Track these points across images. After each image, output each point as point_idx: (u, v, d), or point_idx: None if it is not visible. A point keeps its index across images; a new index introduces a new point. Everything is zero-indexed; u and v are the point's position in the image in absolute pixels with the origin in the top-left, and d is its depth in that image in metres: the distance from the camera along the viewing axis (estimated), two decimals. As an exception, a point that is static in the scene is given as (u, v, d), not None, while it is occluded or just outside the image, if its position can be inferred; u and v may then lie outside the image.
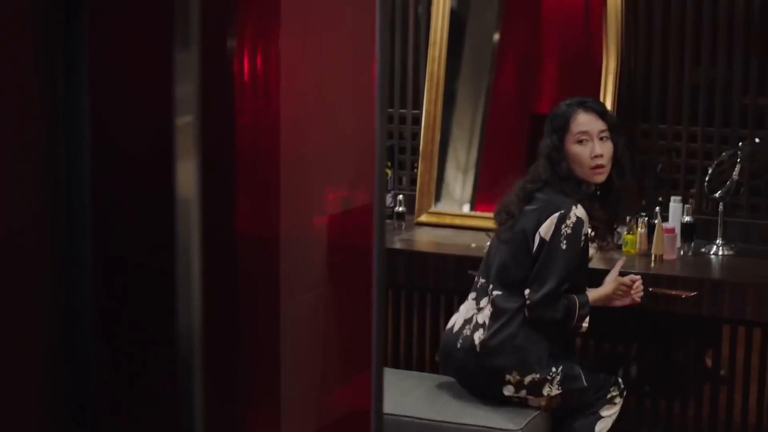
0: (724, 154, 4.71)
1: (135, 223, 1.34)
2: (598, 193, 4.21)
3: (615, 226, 4.35)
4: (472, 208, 5.21)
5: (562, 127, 4.12)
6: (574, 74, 5.06)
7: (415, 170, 5.29)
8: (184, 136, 1.31)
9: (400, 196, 5.15)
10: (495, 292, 4.09)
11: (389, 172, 5.28)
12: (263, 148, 1.46)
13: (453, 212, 5.20)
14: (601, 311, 4.15)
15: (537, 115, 5.18)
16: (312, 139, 1.56)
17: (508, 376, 4.04)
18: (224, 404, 1.44)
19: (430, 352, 4.83)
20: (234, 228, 1.43)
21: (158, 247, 1.34)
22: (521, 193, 4.11)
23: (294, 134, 1.50)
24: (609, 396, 4.12)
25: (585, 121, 4.12)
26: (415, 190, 5.24)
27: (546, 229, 4.00)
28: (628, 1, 4.87)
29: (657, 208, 4.68)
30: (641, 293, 4.19)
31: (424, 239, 5.02)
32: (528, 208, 4.08)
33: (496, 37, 5.28)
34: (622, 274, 4.20)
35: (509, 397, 4.09)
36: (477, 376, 4.14)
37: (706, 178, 4.69)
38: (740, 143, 4.71)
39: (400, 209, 5.12)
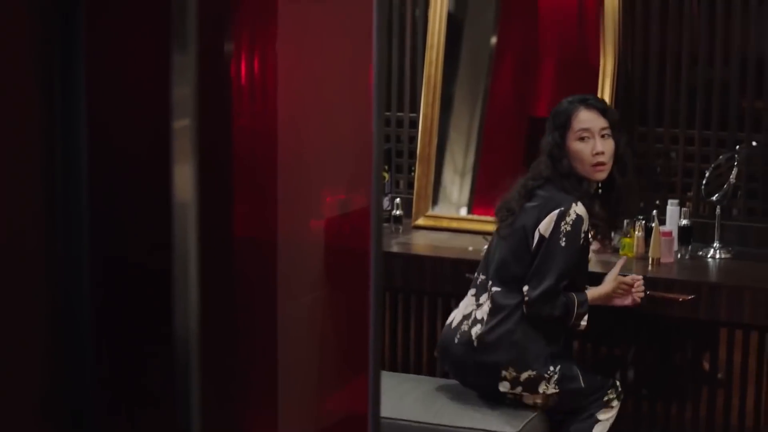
0: (721, 157, 4.71)
1: (132, 226, 1.34)
2: (600, 191, 4.21)
3: (617, 223, 4.36)
4: (470, 212, 5.21)
5: (564, 124, 4.13)
6: (571, 77, 5.06)
7: (413, 173, 5.29)
8: (181, 138, 1.31)
9: (398, 200, 5.15)
10: (494, 289, 4.09)
11: (386, 175, 5.27)
12: (260, 151, 1.46)
13: (450, 215, 5.20)
14: (598, 314, 4.15)
15: (534, 118, 5.19)
16: (309, 142, 1.56)
17: (504, 372, 4.04)
18: (222, 406, 1.44)
19: (427, 355, 4.83)
20: (231, 231, 1.43)
21: (155, 250, 1.34)
22: (522, 190, 4.12)
23: (291, 137, 1.49)
24: (606, 399, 4.12)
25: (586, 119, 4.12)
26: (412, 194, 5.24)
27: (546, 226, 4.00)
28: (625, 4, 4.87)
29: (654, 211, 4.68)
30: (642, 293, 4.19)
31: (422, 242, 5.02)
32: (529, 205, 4.08)
33: (494, 40, 5.28)
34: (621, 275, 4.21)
35: (504, 394, 4.09)
36: (473, 371, 4.14)
37: (704, 182, 4.69)
38: (737, 146, 4.72)
39: (398, 212, 5.12)
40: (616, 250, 4.66)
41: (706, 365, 4.46)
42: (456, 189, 5.27)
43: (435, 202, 5.23)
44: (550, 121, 4.18)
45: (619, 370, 4.55)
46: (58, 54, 1.29)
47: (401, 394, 4.24)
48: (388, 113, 5.36)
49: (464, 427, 4.04)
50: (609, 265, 4.29)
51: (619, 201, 4.21)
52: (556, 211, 3.99)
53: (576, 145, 4.10)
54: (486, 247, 4.31)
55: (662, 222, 4.66)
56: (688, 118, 4.90)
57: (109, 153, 1.33)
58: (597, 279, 4.20)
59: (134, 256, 1.35)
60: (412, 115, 5.36)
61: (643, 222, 4.61)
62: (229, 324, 1.44)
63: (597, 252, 4.46)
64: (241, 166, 1.43)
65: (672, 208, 4.73)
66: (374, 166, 1.59)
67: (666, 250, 4.54)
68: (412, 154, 5.32)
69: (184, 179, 1.32)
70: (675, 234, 4.63)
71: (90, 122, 1.31)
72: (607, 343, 4.60)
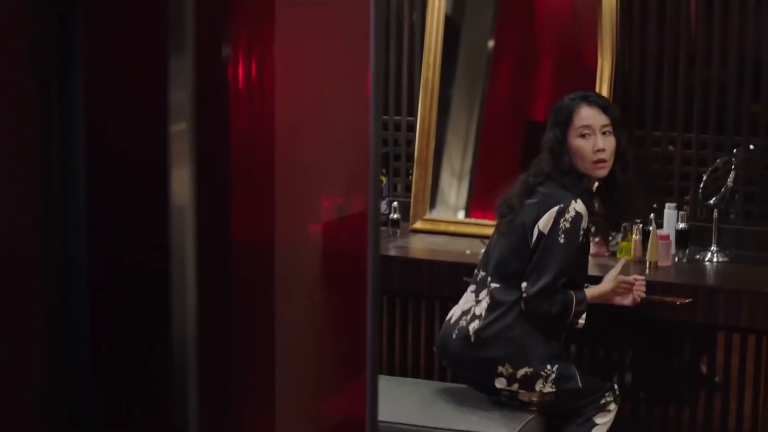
0: (718, 160, 4.71)
1: (130, 229, 1.34)
2: (602, 188, 4.21)
3: (619, 221, 4.35)
4: (467, 215, 5.21)
5: (565, 121, 4.13)
6: (568, 80, 5.06)
7: (410, 177, 5.29)
8: (178, 141, 1.31)
9: (395, 203, 5.15)
10: (493, 285, 4.10)
11: (384, 179, 5.27)
12: (258, 154, 1.46)
13: (448, 219, 5.20)
14: (596, 317, 4.15)
15: (532, 122, 5.19)
16: (307, 146, 1.56)
17: (500, 368, 4.04)
18: (219, 409, 1.44)
19: (425, 359, 4.82)
20: (229, 234, 1.43)
21: (153, 252, 1.33)
22: (523, 187, 4.12)
23: (289, 141, 1.49)
24: (603, 402, 4.12)
25: (588, 115, 4.12)
26: (410, 197, 5.24)
27: (545, 222, 4.00)
28: (622, 7, 4.87)
29: (652, 214, 4.68)
30: (643, 293, 4.19)
31: (419, 246, 5.02)
32: (529, 201, 4.08)
33: (491, 43, 5.28)
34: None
35: (500, 390, 4.09)
36: (470, 366, 4.15)
37: (701, 185, 4.69)
38: (735, 150, 4.72)
39: (395, 216, 5.12)
40: (613, 254, 4.66)
41: (704, 368, 4.46)
42: (454, 192, 5.27)
43: (432, 205, 5.23)
44: (551, 118, 4.18)
45: (617, 373, 4.55)
46: (56, 56, 1.29)
47: (399, 398, 4.24)
48: (385, 117, 5.36)
49: (461, 430, 4.04)
50: (606, 269, 4.29)
51: (621, 198, 4.21)
52: (556, 208, 3.99)
53: (577, 142, 4.10)
54: (482, 251, 4.32)
55: (660, 225, 4.66)
56: (686, 122, 4.90)
57: (106, 156, 1.33)
58: (595, 282, 4.20)
59: (132, 258, 1.35)
60: (409, 118, 5.36)
61: (641, 225, 4.61)
62: (226, 327, 1.44)
63: (594, 255, 4.45)
64: (239, 170, 1.43)
65: (669, 211, 4.73)
66: (372, 169, 1.59)
67: (663, 254, 4.54)
68: (410, 158, 5.32)
69: (181, 182, 1.32)
70: (672, 237, 4.63)
71: (87, 125, 1.31)
72: (605, 347, 4.60)
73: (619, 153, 4.15)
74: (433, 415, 4.12)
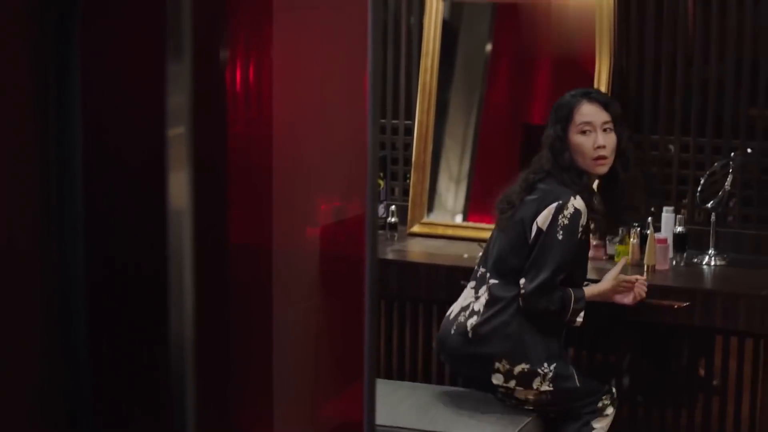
0: (716, 164, 4.72)
1: (128, 232, 1.34)
2: (602, 185, 4.21)
3: (621, 218, 4.35)
4: (465, 219, 5.21)
5: (566, 117, 4.13)
6: (566, 84, 5.06)
7: (408, 181, 5.29)
8: (176, 145, 1.31)
9: (393, 207, 5.15)
10: (492, 281, 4.10)
11: (382, 182, 5.27)
12: (255, 158, 1.46)
13: (445, 223, 5.20)
14: (594, 321, 4.15)
15: (530, 125, 5.19)
16: (304, 150, 1.56)
17: (497, 364, 4.04)
18: (217, 412, 1.44)
19: (422, 363, 4.82)
20: (226, 238, 1.43)
21: (151, 256, 1.33)
22: (524, 183, 4.11)
23: (286, 145, 1.50)
24: (601, 405, 4.12)
25: (588, 112, 4.12)
26: (407, 201, 5.24)
27: (543, 219, 4.00)
28: (620, 12, 4.88)
29: (649, 218, 4.68)
30: (644, 291, 4.19)
31: (417, 250, 5.01)
32: (529, 198, 4.08)
33: (489, 47, 5.28)
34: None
35: (497, 387, 4.08)
36: (468, 362, 4.15)
37: (699, 189, 4.69)
38: (732, 153, 4.72)
39: (393, 220, 5.12)
40: (611, 257, 4.66)
41: (702, 372, 4.46)
42: (451, 196, 5.27)
43: (430, 209, 5.23)
44: (552, 114, 4.18)
45: (615, 376, 4.55)
46: (54, 58, 1.29)
47: (396, 402, 4.24)
48: (383, 120, 5.36)
49: (459, 435, 4.04)
50: (603, 272, 4.29)
51: (621, 196, 4.21)
52: (554, 205, 3.99)
53: (577, 139, 4.10)
54: (483, 247, 4.32)
55: (657, 229, 4.66)
56: (684, 125, 4.90)
57: (104, 159, 1.33)
58: (594, 283, 4.20)
59: (130, 261, 1.35)
60: (407, 122, 5.36)
61: (638, 229, 4.61)
62: (224, 330, 1.44)
63: (592, 259, 4.45)
64: (237, 173, 1.43)
65: (667, 215, 4.73)
66: (369, 173, 1.59)
67: (661, 257, 4.54)
68: (407, 162, 5.32)
69: (179, 186, 1.32)
70: (670, 241, 4.63)
71: (85, 127, 1.31)
72: (603, 350, 4.60)
73: (619, 150, 4.15)
74: (430, 418, 4.12)
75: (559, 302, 4.00)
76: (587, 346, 4.57)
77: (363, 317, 1.60)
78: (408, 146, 5.33)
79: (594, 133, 4.09)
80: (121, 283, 1.35)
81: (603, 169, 4.12)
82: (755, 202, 4.83)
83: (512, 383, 4.05)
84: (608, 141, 4.10)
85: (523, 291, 4.00)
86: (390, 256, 4.84)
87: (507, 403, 4.14)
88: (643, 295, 4.19)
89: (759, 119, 4.79)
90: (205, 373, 1.38)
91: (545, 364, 4.02)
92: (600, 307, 4.18)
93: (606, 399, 4.14)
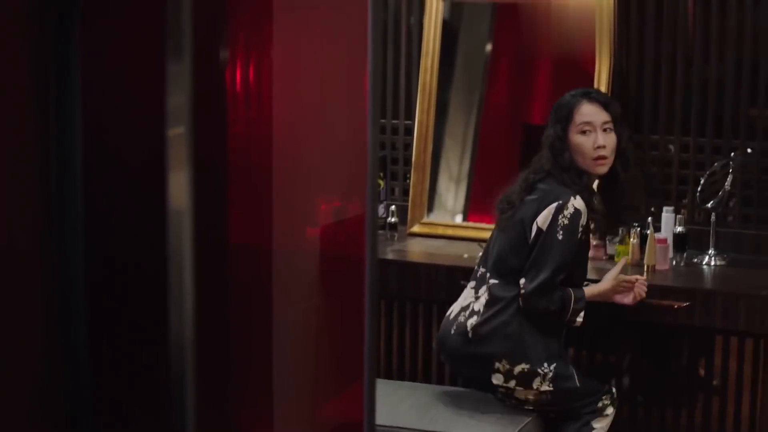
0: (716, 164, 4.72)
1: (128, 232, 1.34)
2: (602, 185, 4.21)
3: (622, 218, 4.35)
4: (465, 219, 5.21)
5: (566, 117, 4.13)
6: (566, 84, 5.06)
7: (408, 181, 5.29)
8: (176, 146, 1.31)
9: (393, 207, 5.15)
10: (492, 281, 4.10)
11: (382, 182, 5.27)
12: (255, 158, 1.46)
13: (445, 223, 5.20)
14: (594, 321, 4.15)
15: (529, 126, 5.19)
16: (304, 150, 1.56)
17: (497, 364, 4.03)
18: (217, 412, 1.44)
19: (422, 363, 4.82)
20: (226, 238, 1.43)
21: (151, 257, 1.33)
22: (523, 184, 4.12)
23: (286, 145, 1.49)
24: (601, 405, 4.12)
25: (588, 112, 4.12)
26: (407, 201, 5.24)
27: (543, 218, 4.00)
28: (620, 12, 4.88)
29: (649, 218, 4.68)
30: (645, 291, 4.18)
31: (417, 250, 5.01)
32: (529, 198, 4.08)
33: (489, 47, 5.28)
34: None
35: (497, 387, 4.08)
36: (467, 362, 4.15)
37: (699, 189, 4.69)
38: (732, 153, 4.72)
39: (393, 220, 5.12)
40: (611, 257, 4.66)
41: (702, 372, 4.46)
42: (451, 196, 5.27)
43: (430, 209, 5.23)
44: (552, 114, 4.18)
45: (615, 377, 4.55)
46: (54, 58, 1.29)
47: (396, 401, 4.24)
48: (383, 120, 5.36)
49: (459, 435, 4.04)
50: (603, 272, 4.29)
51: (622, 196, 4.21)
52: (554, 204, 3.99)
53: (577, 138, 4.10)
54: (483, 248, 4.32)
55: (657, 229, 4.66)
56: (684, 126, 4.90)
57: (104, 159, 1.33)
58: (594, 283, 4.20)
59: (130, 262, 1.35)
60: (407, 122, 5.36)
61: (638, 229, 4.61)
62: (224, 330, 1.44)
63: (592, 259, 4.45)
64: (236, 173, 1.43)
65: (667, 215, 4.73)
66: (369, 173, 1.59)
67: (661, 257, 4.54)
68: (407, 162, 5.32)
69: (179, 186, 1.32)
70: (670, 241, 4.63)
71: (85, 127, 1.31)
72: (603, 350, 4.60)
73: (620, 150, 4.15)
74: (430, 418, 4.12)
75: (559, 302, 4.00)
76: (587, 346, 4.57)
77: (363, 317, 1.60)
78: (408, 146, 5.33)
79: (594, 133, 4.09)
80: (121, 283, 1.35)
81: (603, 169, 4.12)
82: (755, 202, 4.83)
83: (512, 383, 4.04)
84: (608, 141, 4.10)
85: (523, 291, 4.00)
86: (390, 256, 4.84)
87: (507, 403, 4.14)
88: (643, 295, 4.19)
89: (759, 119, 4.79)
90: (205, 373, 1.38)
91: (545, 364, 4.02)
92: (600, 308, 4.18)
93: (606, 399, 4.14)
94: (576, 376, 4.07)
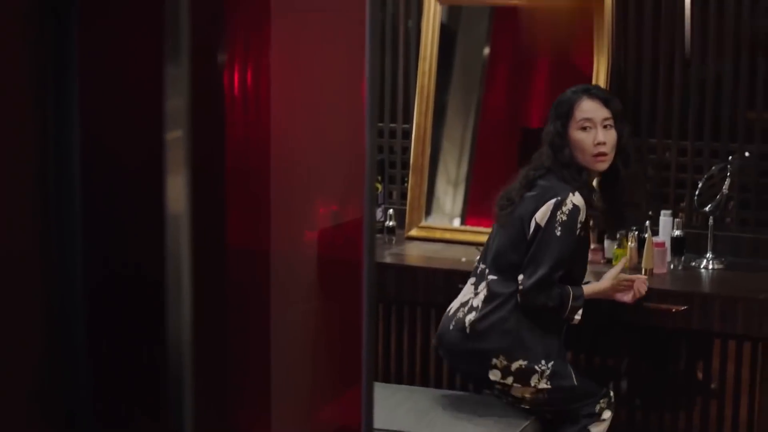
0: (714, 168, 4.72)
1: (126, 236, 1.34)
2: (603, 182, 4.20)
3: (624, 215, 4.34)
4: (463, 222, 5.21)
5: (566, 113, 4.13)
6: (564, 88, 5.06)
7: (406, 184, 5.29)
8: (174, 149, 1.31)
9: (391, 211, 5.15)
10: (490, 277, 4.10)
11: (379, 186, 5.28)
12: (253, 162, 1.46)
13: (443, 226, 5.20)
14: (592, 325, 4.15)
15: (527, 129, 5.19)
16: (302, 153, 1.56)
17: (494, 360, 4.03)
18: (215, 416, 1.44)
19: (420, 366, 4.82)
20: (224, 241, 1.43)
21: (149, 260, 1.33)
22: (524, 180, 4.12)
23: (284, 148, 1.49)
24: (598, 408, 4.12)
25: (589, 108, 4.12)
26: (405, 205, 5.23)
27: (542, 215, 4.00)
28: (618, 15, 4.88)
29: (647, 222, 4.68)
30: (644, 288, 4.18)
31: (415, 253, 5.02)
32: (528, 194, 4.08)
33: (487, 50, 5.28)
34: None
35: (494, 383, 4.07)
36: (466, 358, 4.14)
37: (696, 192, 4.69)
38: (730, 157, 4.72)
39: (391, 223, 5.12)
40: (609, 261, 4.66)
41: (700, 375, 4.46)
42: (449, 200, 5.27)
43: (428, 212, 5.23)
44: (552, 111, 4.18)
45: (613, 380, 4.55)
46: (53, 63, 1.29)
47: (394, 405, 4.24)
48: (381, 124, 5.36)
49: (457, 438, 4.04)
50: (600, 276, 4.29)
51: (623, 192, 4.21)
52: (553, 201, 3.99)
53: (577, 135, 4.10)
54: (480, 251, 4.32)
55: (655, 233, 4.66)
56: (681, 129, 4.91)
57: (102, 162, 1.33)
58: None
59: (128, 265, 1.35)
60: (405, 125, 5.36)
61: (636, 233, 4.61)
62: (222, 333, 1.44)
63: (589, 263, 4.45)
64: (235, 177, 1.43)
65: (665, 218, 4.73)
66: (367, 176, 1.59)
67: (659, 261, 4.54)
68: (405, 165, 5.32)
69: (177, 189, 1.32)
70: (668, 245, 4.63)
71: (83, 131, 1.31)
72: (601, 353, 4.60)
73: (620, 147, 4.15)
74: (428, 422, 4.12)
75: (557, 299, 3.99)
76: (585, 349, 4.57)
77: (361, 320, 1.60)
78: (406, 150, 5.33)
79: (594, 130, 4.09)
80: (119, 285, 1.35)
81: (603, 166, 4.12)
82: (753, 205, 4.83)
83: (509, 380, 4.04)
84: (608, 137, 4.10)
85: (521, 287, 4.00)
86: (388, 259, 4.84)
87: (503, 400, 4.14)
88: (642, 292, 4.19)
89: (757, 122, 4.79)
90: (203, 376, 1.38)
91: (543, 361, 4.02)
92: (599, 308, 4.18)
93: (603, 403, 4.13)
94: (574, 376, 4.07)
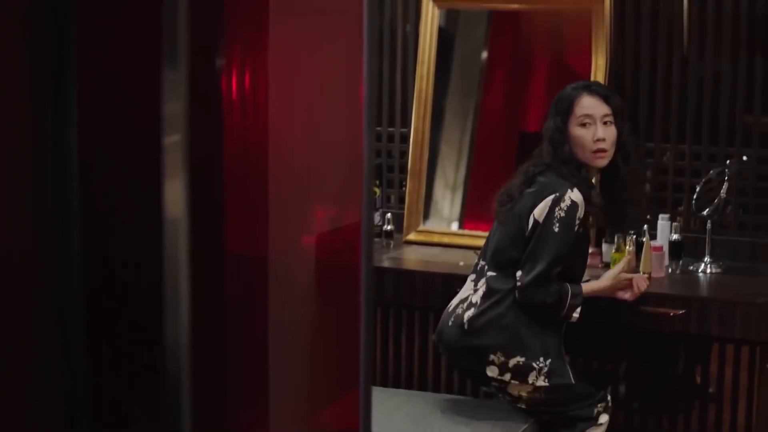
0: (711, 172, 4.72)
1: (124, 240, 1.34)
2: (604, 180, 4.20)
3: (625, 212, 4.33)
4: (461, 227, 5.21)
5: (566, 110, 4.12)
6: (562, 92, 5.07)
7: (404, 188, 5.29)
8: (172, 153, 1.31)
9: (389, 215, 5.15)
10: (489, 273, 4.10)
11: (377, 190, 5.27)
12: (252, 166, 1.46)
13: (441, 230, 5.20)
14: (590, 329, 4.15)
15: (525, 133, 5.19)
16: (300, 158, 1.56)
17: (492, 356, 4.02)
18: (214, 419, 1.44)
19: (418, 370, 4.82)
20: (222, 246, 1.43)
21: (147, 264, 1.33)
22: (523, 176, 4.12)
23: (282, 152, 1.50)
24: (595, 412, 4.11)
25: (589, 105, 4.12)
26: (403, 209, 5.23)
27: (540, 211, 4.00)
28: (616, 20, 4.88)
29: (645, 226, 4.68)
30: (644, 285, 4.18)
31: (413, 257, 5.01)
32: (528, 191, 4.08)
33: (485, 54, 5.29)
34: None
35: (491, 380, 4.06)
36: (464, 354, 4.13)
37: (694, 196, 4.70)
38: (728, 161, 4.73)
39: (389, 228, 5.12)
40: (606, 265, 4.66)
41: (698, 379, 4.46)
42: (447, 204, 5.27)
43: (426, 217, 5.23)
44: (552, 107, 4.18)
45: (611, 384, 4.55)
46: (51, 65, 1.29)
47: (392, 409, 4.24)
48: (379, 128, 5.36)
49: (456, 442, 4.04)
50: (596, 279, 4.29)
51: (623, 189, 4.20)
52: (551, 197, 3.99)
53: (577, 131, 4.10)
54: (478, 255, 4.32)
55: (653, 237, 4.66)
56: (679, 133, 4.91)
57: (100, 167, 1.33)
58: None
59: (127, 269, 1.35)
60: (403, 130, 5.36)
61: (634, 237, 4.61)
62: (219, 341, 1.44)
63: (588, 266, 4.45)
64: (233, 181, 1.43)
65: (663, 222, 4.73)
66: (365, 181, 1.59)
67: (657, 265, 4.54)
68: (403, 169, 5.32)
69: (175, 194, 1.32)
70: (666, 249, 4.63)
71: (81, 136, 1.31)
72: (599, 358, 4.60)
73: (620, 143, 4.15)
74: (426, 426, 4.12)
75: (555, 295, 3.99)
76: (583, 353, 4.57)
77: (359, 324, 1.60)
78: (404, 154, 5.33)
79: (594, 126, 4.09)
80: (118, 287, 1.35)
81: (602, 162, 4.12)
82: (751, 209, 4.83)
83: (507, 376, 4.03)
84: (608, 134, 4.10)
85: (519, 283, 4.00)
86: (386, 263, 4.84)
87: (500, 398, 4.14)
88: (642, 288, 4.18)
89: (755, 126, 4.80)
90: (202, 378, 1.38)
91: (541, 358, 4.01)
92: (598, 310, 4.18)
93: (600, 407, 4.13)
94: (571, 375, 4.06)
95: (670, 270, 4.65)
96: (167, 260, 1.32)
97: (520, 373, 4.02)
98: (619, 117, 4.15)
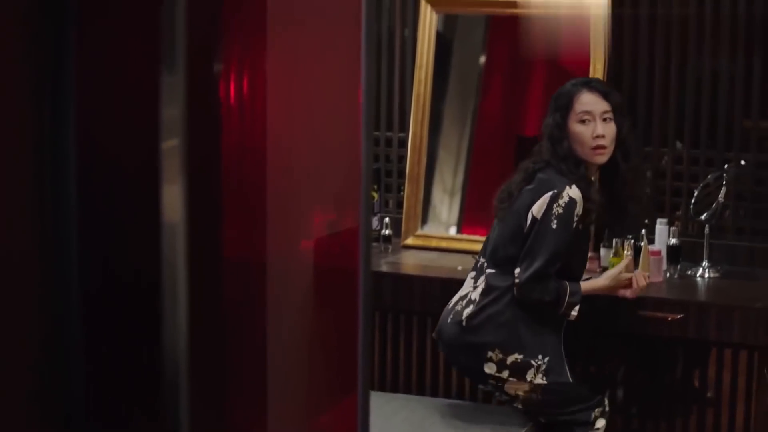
0: (710, 176, 4.72)
1: (122, 245, 1.34)
2: (603, 177, 4.19)
3: (626, 210, 4.32)
4: (459, 231, 5.21)
5: (566, 106, 4.12)
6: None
7: (402, 193, 5.29)
8: (170, 158, 1.31)
9: (387, 219, 5.15)
10: (489, 270, 4.10)
11: (376, 195, 5.28)
12: (249, 171, 1.46)
13: (439, 235, 5.20)
14: (588, 332, 4.15)
15: (523, 138, 5.19)
16: (298, 162, 1.56)
17: (490, 353, 4.02)
18: (211, 423, 1.44)
19: (416, 375, 4.82)
20: (220, 250, 1.43)
21: (145, 268, 1.33)
22: (523, 174, 4.12)
23: (280, 157, 1.49)
24: (592, 417, 4.11)
25: (588, 101, 4.11)
26: (401, 213, 5.24)
27: (538, 208, 3.99)
28: (613, 23, 4.89)
29: (643, 230, 4.68)
30: (644, 282, 4.18)
31: (411, 262, 5.01)
32: (527, 188, 4.08)
33: (482, 59, 5.29)
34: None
35: (488, 377, 4.06)
36: (463, 351, 4.13)
37: (692, 201, 4.70)
38: (726, 165, 4.73)
39: (387, 232, 5.12)
40: (605, 270, 4.66)
41: (696, 384, 4.46)
42: (445, 208, 5.27)
43: (424, 221, 5.23)
44: (552, 103, 4.18)
45: (609, 388, 4.55)
46: (50, 66, 1.29)
47: (390, 414, 4.24)
48: (377, 132, 5.36)
49: (454, 447, 4.04)
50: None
51: (623, 186, 4.20)
52: (549, 194, 3.99)
53: (577, 127, 4.09)
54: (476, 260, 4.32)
55: (651, 241, 4.67)
56: (677, 137, 4.91)
57: (98, 171, 1.33)
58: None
59: (125, 273, 1.35)
60: (401, 134, 5.36)
61: (632, 241, 4.61)
62: (217, 346, 1.44)
63: (585, 271, 4.45)
64: (230, 186, 1.43)
65: (661, 227, 4.73)
66: (363, 185, 1.59)
67: (655, 270, 4.54)
68: (401, 174, 5.32)
69: (173, 198, 1.32)
70: (664, 253, 4.64)
71: (79, 140, 1.31)
72: (597, 362, 4.60)
73: (620, 140, 4.14)
74: (424, 430, 4.12)
75: (553, 293, 3.99)
76: (581, 357, 4.57)
77: (357, 329, 1.60)
78: (402, 158, 5.34)
79: (593, 123, 4.09)
80: (116, 289, 1.35)
81: (602, 159, 4.11)
82: (749, 214, 4.84)
83: (505, 373, 4.03)
84: (608, 130, 4.10)
85: (517, 280, 4.00)
86: (384, 268, 4.84)
87: (496, 397, 4.14)
88: (642, 284, 4.17)
89: (753, 131, 4.80)
90: (200, 380, 1.38)
91: (539, 356, 4.01)
92: (596, 311, 4.18)
93: (597, 411, 4.13)
94: (569, 374, 4.06)
95: (668, 274, 4.65)
96: (165, 263, 1.32)
97: (518, 371, 4.01)
98: (618, 114, 4.14)
